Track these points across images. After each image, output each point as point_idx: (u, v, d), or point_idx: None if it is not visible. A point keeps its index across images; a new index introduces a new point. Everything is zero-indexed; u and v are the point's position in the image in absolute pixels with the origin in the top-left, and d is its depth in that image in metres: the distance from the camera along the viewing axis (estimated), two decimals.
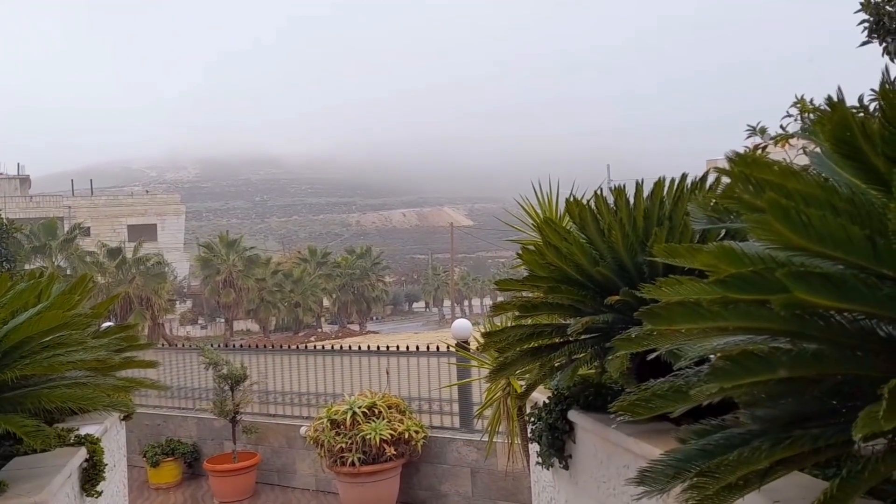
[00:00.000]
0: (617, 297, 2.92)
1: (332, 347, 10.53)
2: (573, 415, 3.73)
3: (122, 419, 5.35)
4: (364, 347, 9.87)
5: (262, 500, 9.21)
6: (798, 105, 4.02)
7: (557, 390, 3.89)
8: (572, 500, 3.95)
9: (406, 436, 7.94)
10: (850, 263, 1.42)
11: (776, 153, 4.03)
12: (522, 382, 4.53)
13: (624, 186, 3.25)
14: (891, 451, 1.51)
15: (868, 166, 1.52)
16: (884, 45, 3.77)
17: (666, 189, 3.20)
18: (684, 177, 3.21)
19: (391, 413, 8.06)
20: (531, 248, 3.33)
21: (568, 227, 3.31)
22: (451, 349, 8.17)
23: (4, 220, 10.61)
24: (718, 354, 1.68)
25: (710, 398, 1.58)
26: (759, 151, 4.07)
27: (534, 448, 4.43)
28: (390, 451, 7.79)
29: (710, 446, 1.67)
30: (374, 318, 65.89)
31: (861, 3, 3.84)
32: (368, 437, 7.70)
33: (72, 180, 61.36)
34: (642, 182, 3.20)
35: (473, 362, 6.71)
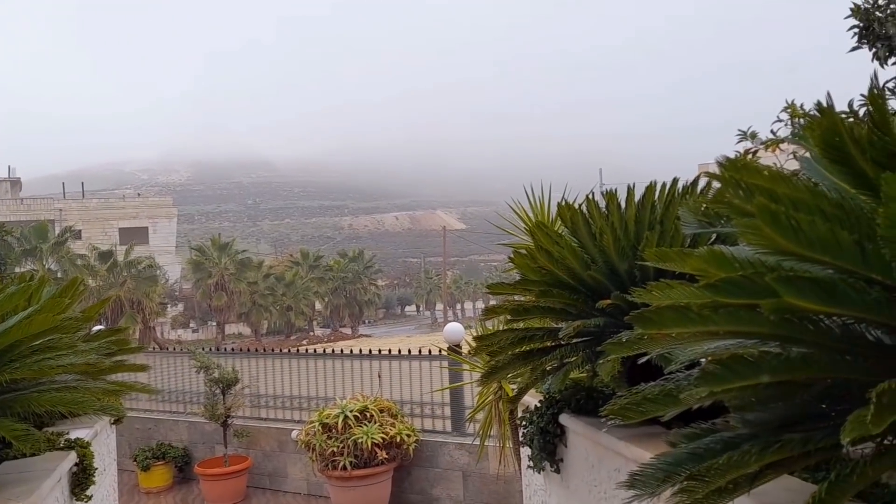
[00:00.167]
0: (608, 301, 2.93)
1: (324, 351, 10.51)
2: (564, 418, 3.74)
3: (113, 423, 5.33)
4: (356, 351, 9.85)
5: None
6: (789, 110, 4.04)
7: (549, 394, 3.89)
8: None
9: (398, 439, 7.93)
10: (838, 268, 1.43)
11: (767, 158, 4.05)
12: (514, 386, 4.54)
13: (616, 191, 3.26)
14: (879, 454, 1.51)
15: (857, 171, 1.53)
16: (873, 50, 3.80)
17: (657, 193, 3.21)
18: (675, 181, 3.22)
19: (383, 417, 8.05)
20: (523, 251, 3.34)
21: (560, 231, 3.32)
22: (443, 353, 8.17)
23: None
24: (709, 358, 1.69)
25: (699, 402, 1.58)
26: (750, 156, 4.09)
27: (525, 452, 4.43)
28: (382, 454, 7.78)
29: (699, 450, 1.67)
30: (367, 321, 65.80)
31: (851, 9, 3.86)
32: (360, 440, 7.69)
33: (63, 183, 61.19)
34: (634, 186, 3.22)
35: (465, 366, 6.72)
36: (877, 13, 3.74)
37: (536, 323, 3.57)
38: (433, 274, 78.12)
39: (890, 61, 3.76)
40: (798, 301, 1.39)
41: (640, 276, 2.99)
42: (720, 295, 1.50)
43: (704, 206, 2.31)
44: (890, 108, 2.05)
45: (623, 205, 3.21)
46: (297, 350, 11.44)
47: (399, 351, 9.23)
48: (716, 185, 1.65)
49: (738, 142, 4.24)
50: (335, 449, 7.74)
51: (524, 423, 4.11)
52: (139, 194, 71.10)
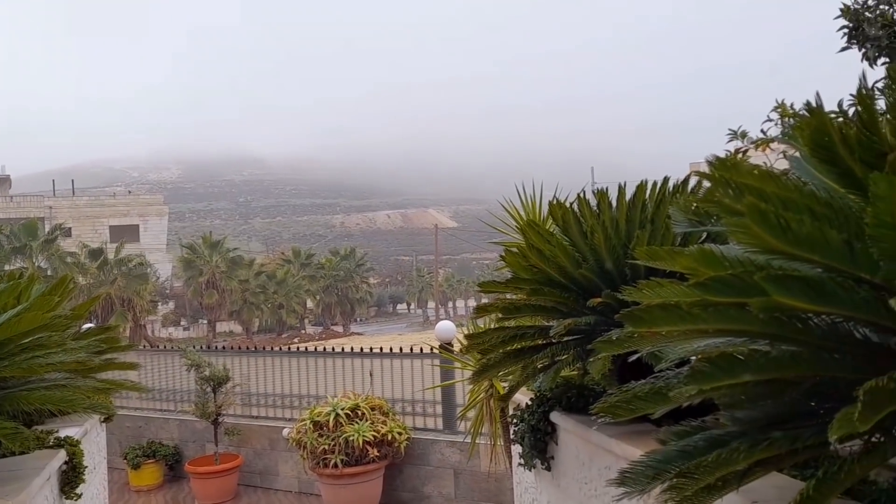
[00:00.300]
0: (599, 300, 2.94)
1: (316, 349, 10.50)
2: (555, 416, 3.74)
3: (103, 421, 5.31)
4: (347, 349, 9.85)
5: (244, 503, 9.16)
6: (779, 109, 4.06)
7: (540, 392, 3.90)
8: (554, 502, 3.96)
9: (389, 437, 7.93)
10: (827, 267, 1.44)
11: (757, 157, 4.07)
12: (505, 384, 4.55)
13: (607, 189, 3.27)
14: (867, 451, 1.52)
15: (845, 171, 1.54)
16: (863, 50, 3.82)
17: (648, 192, 3.22)
18: (666, 180, 3.23)
19: (374, 415, 8.05)
20: (514, 250, 3.35)
21: (551, 230, 3.33)
22: (435, 351, 8.17)
23: None
24: (698, 356, 1.70)
25: (689, 400, 1.59)
26: (740, 155, 4.10)
27: (516, 449, 4.44)
28: (373, 452, 7.78)
29: (689, 447, 1.68)
30: (358, 319, 65.75)
31: (841, 9, 3.88)
32: (351, 438, 7.69)
33: (53, 180, 60.92)
34: (625, 185, 3.22)
35: (457, 364, 6.72)
36: (866, 13, 3.76)
37: (528, 321, 3.58)
38: (425, 272, 78.15)
39: (879, 61, 3.79)
40: (787, 299, 1.40)
41: (631, 274, 3.00)
42: (710, 293, 1.51)
43: (695, 204, 2.31)
44: (879, 107, 2.06)
45: (614, 203, 3.22)
46: (289, 348, 11.44)
47: (391, 349, 9.23)
48: (706, 184, 1.66)
49: (729, 141, 4.25)
50: (326, 447, 7.73)
51: (515, 420, 4.12)
52: (130, 192, 70.87)
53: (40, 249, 36.53)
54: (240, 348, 11.63)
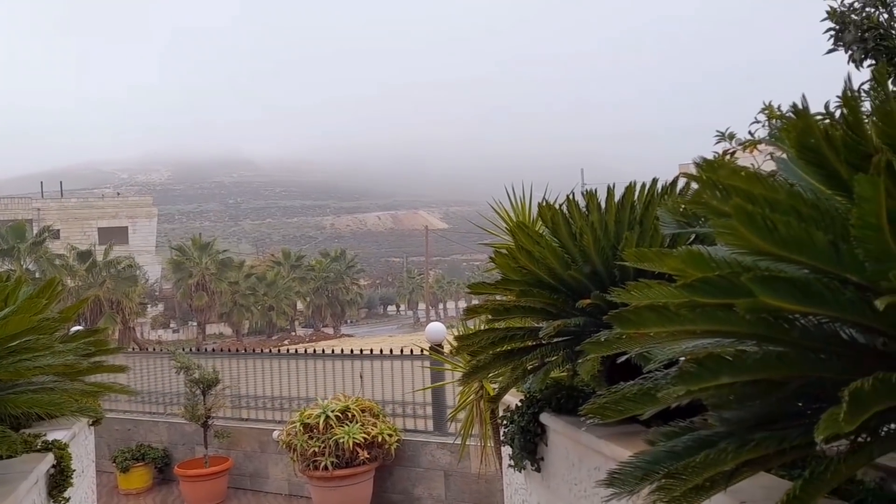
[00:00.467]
0: (588, 301, 2.94)
1: (306, 351, 10.48)
2: (545, 417, 3.75)
3: (91, 424, 5.28)
4: (338, 351, 9.83)
5: None
6: (766, 111, 4.08)
7: (530, 393, 3.91)
8: (544, 503, 3.97)
9: (379, 439, 7.92)
10: (813, 268, 1.45)
11: (745, 158, 4.09)
12: (495, 385, 4.55)
13: (596, 191, 3.28)
14: (853, 451, 1.53)
15: (831, 172, 1.55)
16: (849, 52, 3.85)
17: (637, 193, 3.23)
18: (655, 181, 3.24)
19: (365, 417, 8.04)
20: (504, 251, 3.35)
21: (541, 231, 3.33)
22: (425, 353, 8.17)
23: None
24: (686, 357, 1.70)
25: (677, 401, 1.60)
26: (728, 157, 4.12)
27: (506, 451, 4.45)
28: (364, 454, 7.77)
29: (677, 448, 1.69)
30: (349, 321, 65.65)
31: (827, 12, 3.91)
32: (342, 440, 7.67)
33: (41, 182, 60.56)
34: (614, 186, 3.23)
35: (447, 366, 6.72)
36: (852, 16, 3.78)
37: (517, 322, 3.58)
38: (415, 273, 78.12)
39: (865, 63, 3.81)
40: (773, 301, 1.40)
41: (620, 275, 3.01)
42: (697, 295, 1.51)
43: (683, 206, 2.32)
44: (865, 109, 2.08)
45: (603, 205, 3.23)
46: (279, 350, 11.40)
47: (381, 351, 9.22)
48: (695, 185, 1.67)
49: (717, 143, 4.27)
50: (316, 449, 7.72)
51: (505, 422, 4.12)
52: (119, 193, 70.55)
53: (28, 251, 36.34)
54: (229, 350, 11.60)
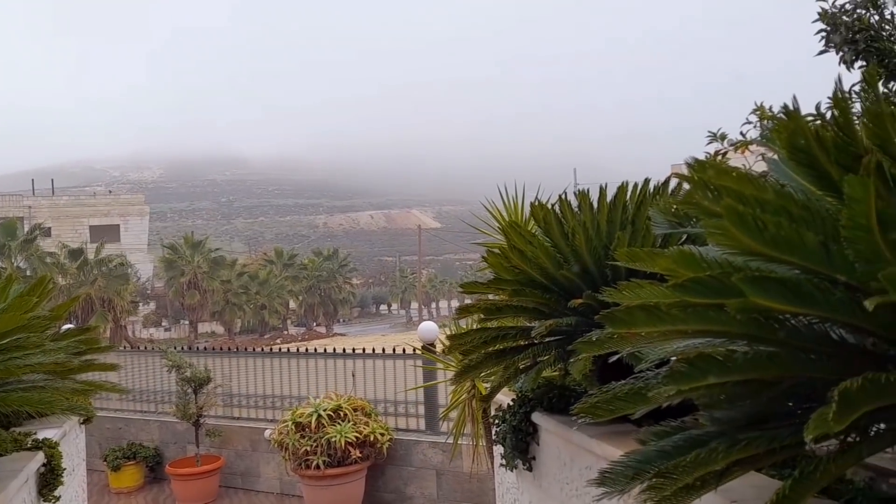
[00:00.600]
0: (580, 301, 2.95)
1: (298, 350, 10.46)
2: (537, 417, 3.76)
3: (82, 423, 5.26)
4: (330, 350, 9.82)
5: None
6: (757, 112, 4.09)
7: (521, 392, 3.91)
8: (536, 502, 3.97)
9: (371, 438, 7.92)
10: (804, 268, 1.45)
11: (736, 159, 4.10)
12: (487, 385, 4.55)
13: (588, 191, 3.28)
14: (842, 451, 1.54)
15: (822, 173, 1.55)
16: (840, 54, 3.86)
17: (629, 194, 3.24)
18: (647, 182, 3.25)
19: (357, 415, 8.03)
20: (497, 251, 3.35)
21: (533, 231, 3.34)
22: (417, 352, 8.17)
23: None
24: (677, 357, 1.71)
25: (668, 400, 1.60)
26: (720, 158, 4.14)
27: (498, 450, 4.45)
28: (355, 453, 7.77)
29: (668, 447, 1.69)
30: (341, 320, 65.58)
31: (819, 13, 3.92)
32: (333, 439, 7.67)
33: (32, 180, 60.24)
34: (606, 186, 3.24)
35: (439, 365, 6.72)
36: (844, 17, 3.80)
37: (509, 322, 3.58)
38: (408, 273, 78.08)
39: (856, 65, 3.83)
40: (764, 301, 1.41)
41: (612, 275, 3.02)
42: (688, 295, 1.52)
43: (675, 206, 2.33)
44: (856, 111, 2.09)
45: (595, 205, 3.24)
46: (271, 349, 11.39)
47: (373, 350, 9.22)
48: (687, 185, 1.68)
49: (709, 143, 4.28)
50: (308, 448, 7.71)
51: (497, 421, 4.12)
52: (110, 191, 70.32)
53: (19, 249, 36.18)
54: (221, 349, 11.57)
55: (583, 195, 3.27)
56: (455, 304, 61.52)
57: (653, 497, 1.67)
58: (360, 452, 7.82)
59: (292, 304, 58.45)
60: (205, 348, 13.27)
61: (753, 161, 3.77)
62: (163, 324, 53.76)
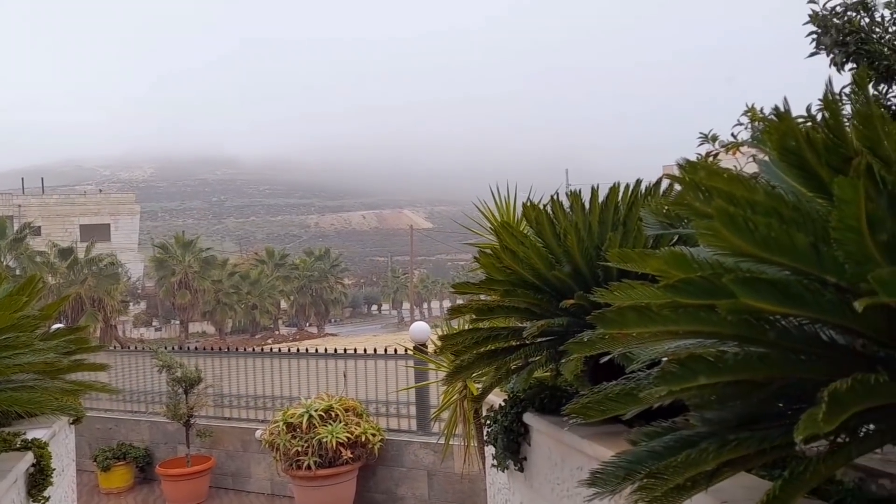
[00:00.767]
0: (572, 301, 2.95)
1: (289, 350, 10.44)
2: (528, 417, 3.76)
3: (72, 423, 5.24)
4: (321, 350, 9.81)
5: None
6: (748, 113, 4.11)
7: (513, 393, 3.91)
8: (527, 502, 3.98)
9: (363, 439, 7.91)
10: (794, 269, 1.46)
11: (727, 160, 4.12)
12: (479, 385, 4.55)
13: (580, 191, 3.29)
14: (832, 452, 1.55)
15: (812, 175, 1.56)
16: (830, 56, 3.88)
17: (621, 194, 3.24)
18: (638, 183, 3.26)
19: (348, 416, 8.02)
20: (488, 251, 3.35)
21: (525, 232, 3.34)
22: (409, 352, 8.16)
23: None
24: (669, 358, 1.71)
25: (659, 401, 1.61)
26: (711, 159, 4.15)
27: (490, 450, 4.45)
28: (347, 454, 7.76)
29: (659, 448, 1.70)
30: (333, 320, 65.53)
31: (809, 16, 3.94)
32: (325, 440, 7.65)
33: (22, 178, 59.92)
34: (598, 187, 3.25)
35: (431, 365, 6.72)
36: (834, 20, 3.82)
37: (501, 322, 3.59)
38: (400, 273, 78.06)
39: (846, 67, 3.85)
40: (754, 302, 1.41)
41: (604, 276, 3.02)
42: (680, 295, 1.52)
43: (666, 207, 2.34)
44: (846, 113, 2.10)
45: (587, 206, 3.24)
46: (262, 349, 11.36)
47: (364, 350, 9.21)
48: (678, 187, 1.68)
49: (700, 144, 4.30)
50: (299, 448, 7.70)
51: (488, 422, 4.13)
52: (101, 190, 70.00)
53: (9, 248, 36.02)
54: (212, 349, 11.54)
55: (574, 196, 3.27)
56: (447, 304, 61.53)
57: (644, 497, 1.68)
58: (352, 453, 7.81)
59: (283, 304, 58.39)
60: (195, 348, 13.23)
61: (744, 162, 3.79)
62: (153, 323, 53.61)
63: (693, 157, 3.72)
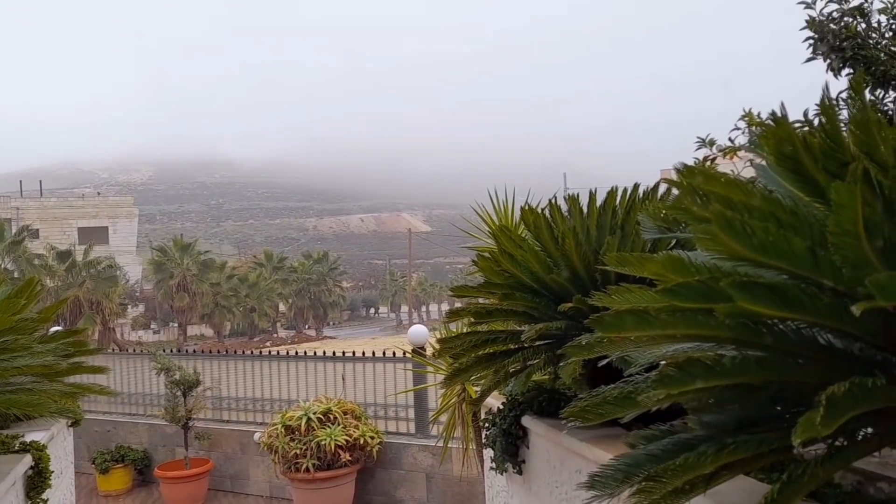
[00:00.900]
0: (570, 305, 2.96)
1: (288, 353, 10.45)
2: (527, 420, 3.76)
3: (70, 425, 5.24)
4: (320, 353, 9.81)
5: None
6: (746, 118, 4.12)
7: (511, 396, 3.92)
8: None
9: (361, 441, 7.91)
10: (791, 273, 1.47)
11: (725, 165, 4.13)
12: (477, 388, 4.55)
13: (578, 195, 3.29)
14: (830, 455, 1.55)
15: (810, 180, 1.57)
16: (827, 61, 3.90)
17: (618, 198, 3.25)
18: (636, 187, 3.27)
19: (346, 419, 8.02)
20: (487, 255, 3.36)
21: (523, 235, 3.34)
22: (408, 355, 8.16)
23: None
24: (667, 361, 1.72)
25: (657, 404, 1.61)
26: (708, 163, 4.16)
27: (488, 453, 4.45)
28: (345, 456, 7.75)
29: (657, 451, 1.70)
30: (331, 323, 65.44)
31: (806, 21, 3.96)
32: (323, 443, 7.65)
33: (20, 181, 59.88)
34: (596, 191, 3.25)
35: (429, 368, 6.72)
36: (831, 26, 3.84)
37: (499, 325, 3.59)
38: (398, 276, 77.99)
39: (843, 72, 3.87)
40: (752, 306, 1.42)
41: (602, 279, 3.03)
42: (677, 299, 1.53)
43: (664, 211, 2.34)
44: (843, 118, 2.11)
45: (585, 210, 3.25)
46: (261, 352, 11.35)
47: (363, 353, 9.21)
48: (676, 191, 1.69)
49: (697, 149, 4.31)
50: (298, 451, 7.69)
51: (487, 424, 4.13)
52: (99, 193, 69.91)
53: (7, 251, 35.96)
54: (211, 352, 11.53)
55: (573, 200, 3.28)
56: (445, 307, 61.53)
57: (642, 500, 1.68)
58: (350, 456, 7.81)
59: (282, 307, 58.31)
60: (194, 351, 13.23)
61: (742, 167, 3.80)
62: (152, 326, 53.51)
63: (691, 162, 3.73)
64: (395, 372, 8.68)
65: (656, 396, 1.58)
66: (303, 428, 7.76)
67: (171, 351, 11.42)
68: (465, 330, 3.91)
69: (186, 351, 14.00)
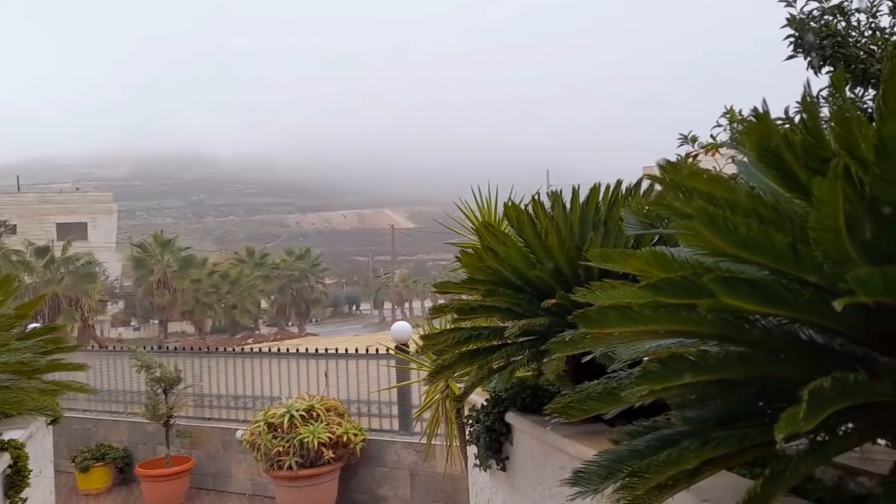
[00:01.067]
0: (553, 301, 2.96)
1: (270, 350, 10.41)
2: (510, 417, 3.77)
3: (49, 423, 5.18)
4: (302, 350, 9.78)
5: None
6: (727, 115, 4.14)
7: (495, 392, 3.92)
8: (509, 502, 3.99)
9: (344, 439, 7.89)
10: (773, 269, 1.47)
11: (707, 161, 4.15)
12: (461, 385, 4.56)
13: (561, 192, 3.30)
14: (812, 450, 1.56)
15: (791, 176, 1.58)
16: (808, 59, 3.92)
17: (601, 194, 3.26)
18: (619, 183, 3.28)
19: (329, 416, 8.00)
20: (470, 251, 3.35)
21: (506, 231, 3.34)
22: (391, 352, 8.16)
23: None
24: (650, 357, 1.72)
25: (640, 400, 1.62)
26: (690, 160, 4.18)
27: (472, 450, 4.46)
28: (328, 454, 7.74)
29: (640, 447, 1.71)
30: (314, 320, 65.25)
31: (787, 19, 3.98)
32: (306, 440, 7.63)
33: None
34: (579, 187, 3.26)
35: (413, 365, 6.72)
36: (812, 23, 3.86)
37: (483, 322, 3.59)
38: (381, 272, 77.91)
39: (823, 70, 3.89)
40: (734, 301, 1.43)
41: (585, 275, 3.03)
42: (660, 295, 1.53)
43: (647, 207, 2.35)
44: (824, 115, 2.13)
45: (568, 205, 3.25)
46: (242, 349, 11.31)
47: (346, 350, 9.19)
48: (659, 187, 1.69)
49: (679, 145, 4.33)
50: (281, 449, 7.66)
51: (471, 421, 4.13)
52: (77, 189, 69.19)
53: None
54: (192, 349, 11.46)
55: (556, 196, 3.28)
56: (428, 304, 61.46)
57: (626, 496, 1.68)
58: (333, 453, 7.79)
59: (264, 304, 58.06)
60: (175, 348, 13.14)
61: (724, 163, 3.82)
62: (132, 323, 53.07)
63: (673, 159, 3.75)
64: (379, 369, 8.67)
65: (640, 392, 1.59)
66: (285, 425, 7.73)
67: (152, 348, 11.35)
68: (448, 326, 3.91)
69: (167, 348, 13.90)
